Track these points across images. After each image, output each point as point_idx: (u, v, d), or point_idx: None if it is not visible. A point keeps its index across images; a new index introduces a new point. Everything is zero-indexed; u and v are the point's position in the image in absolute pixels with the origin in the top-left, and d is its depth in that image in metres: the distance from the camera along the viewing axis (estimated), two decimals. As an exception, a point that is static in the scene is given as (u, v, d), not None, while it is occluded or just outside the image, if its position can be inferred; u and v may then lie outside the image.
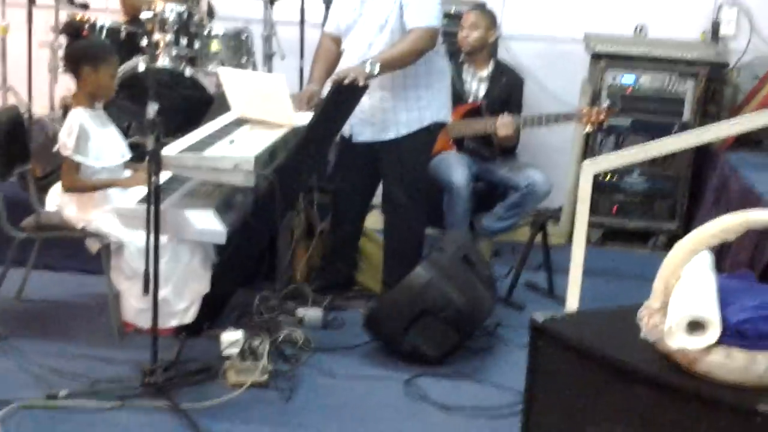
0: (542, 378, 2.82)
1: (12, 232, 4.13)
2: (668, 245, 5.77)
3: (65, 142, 4.04)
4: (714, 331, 2.37)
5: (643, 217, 5.98)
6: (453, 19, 5.88)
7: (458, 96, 5.38)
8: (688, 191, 5.92)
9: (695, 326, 2.38)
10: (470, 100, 5.57)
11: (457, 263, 4.17)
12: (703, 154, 5.78)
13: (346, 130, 4.56)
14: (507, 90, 5.60)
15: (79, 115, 4.09)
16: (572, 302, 3.76)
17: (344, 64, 4.47)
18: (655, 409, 2.48)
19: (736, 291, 2.56)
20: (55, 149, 4.13)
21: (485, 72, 5.60)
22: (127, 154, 4.30)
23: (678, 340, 2.40)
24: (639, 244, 6.05)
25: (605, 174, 5.82)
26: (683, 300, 2.45)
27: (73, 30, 4.34)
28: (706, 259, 2.74)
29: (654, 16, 6.21)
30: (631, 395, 2.53)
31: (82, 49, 4.24)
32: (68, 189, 4.11)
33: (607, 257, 5.73)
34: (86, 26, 5.41)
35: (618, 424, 2.57)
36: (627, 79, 5.87)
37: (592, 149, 5.87)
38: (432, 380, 3.93)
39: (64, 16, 5.60)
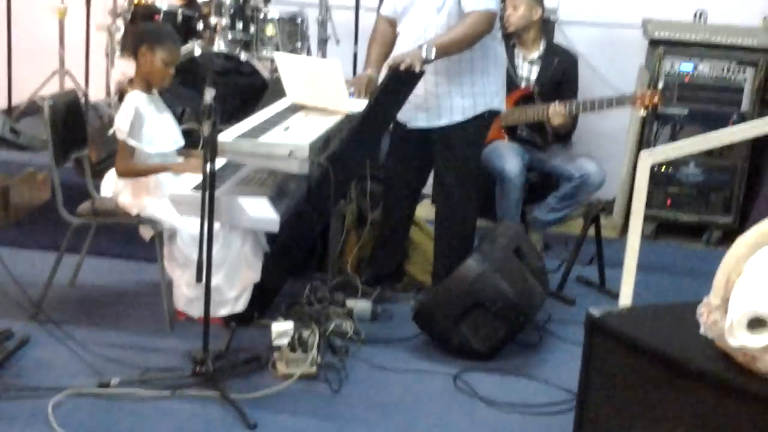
0: (597, 374, 2.79)
1: (68, 218, 4.15)
2: (723, 240, 5.73)
3: (120, 126, 4.05)
4: (776, 330, 2.33)
5: (698, 210, 5.88)
6: (505, 1, 5.82)
7: (510, 81, 5.32)
8: (745, 184, 5.83)
9: (757, 323, 2.35)
10: (522, 84, 5.50)
11: (509, 255, 4.13)
12: (761, 145, 5.67)
13: (399, 116, 4.53)
14: (560, 71, 5.52)
15: (135, 99, 4.10)
16: (626, 297, 3.72)
17: (400, 47, 4.43)
18: (713, 408, 2.44)
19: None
20: (110, 132, 4.14)
21: (536, 54, 5.52)
22: (181, 141, 4.30)
23: (738, 338, 2.36)
24: (692, 239, 5.96)
25: (660, 165, 5.73)
26: (745, 296, 2.41)
27: (145, 14, 4.34)
28: (769, 255, 2.68)
29: (714, 1, 6.10)
30: (688, 394, 2.50)
31: (144, 30, 4.26)
32: (121, 173, 4.12)
33: (660, 251, 5.67)
34: (160, 12, 5.45)
35: (674, 423, 2.53)
36: (685, 66, 5.78)
37: (648, 139, 5.80)
38: (481, 375, 3.90)
39: (122, 0, 5.64)
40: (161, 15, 5.53)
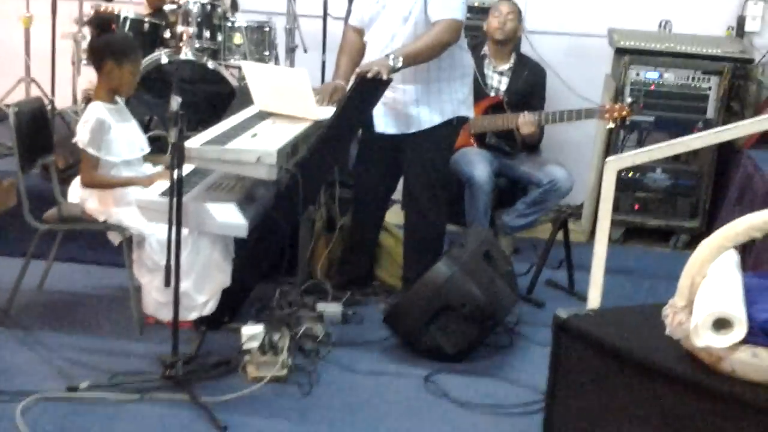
0: (565, 375, 2.82)
1: (34, 224, 4.14)
2: (690, 244, 5.78)
3: (80, 136, 4.06)
4: (740, 330, 2.36)
5: (665, 215, 5.95)
6: (476, 12, 5.88)
7: (480, 90, 5.37)
8: (711, 189, 5.89)
9: (721, 324, 2.37)
10: (492, 94, 5.55)
11: (478, 259, 4.15)
12: (726, 151, 5.74)
13: (368, 122, 4.55)
14: (529, 82, 5.60)
15: (97, 109, 4.10)
16: (594, 300, 3.74)
17: (368, 57, 4.46)
18: (679, 407, 2.47)
19: (761, 290, 2.55)
20: (74, 141, 4.13)
21: (507, 65, 5.60)
22: (147, 148, 4.30)
23: (703, 338, 2.39)
24: (660, 243, 6.02)
25: (627, 170, 5.79)
26: (709, 298, 2.44)
27: (102, 23, 4.33)
28: (732, 257, 2.72)
29: (679, 11, 6.19)
30: (655, 394, 2.52)
31: (107, 44, 4.23)
32: (86, 184, 4.12)
33: (628, 255, 5.71)
34: (115, 20, 5.43)
35: (641, 422, 2.56)
36: (651, 75, 5.84)
37: (615, 146, 5.85)
38: (451, 377, 3.91)
39: (87, 8, 5.62)
40: (125, 23, 5.50)
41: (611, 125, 5.35)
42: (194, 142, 3.82)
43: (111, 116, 4.13)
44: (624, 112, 5.21)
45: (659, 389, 2.50)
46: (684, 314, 2.50)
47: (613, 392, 2.64)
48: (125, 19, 5.55)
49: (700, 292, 2.48)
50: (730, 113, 5.81)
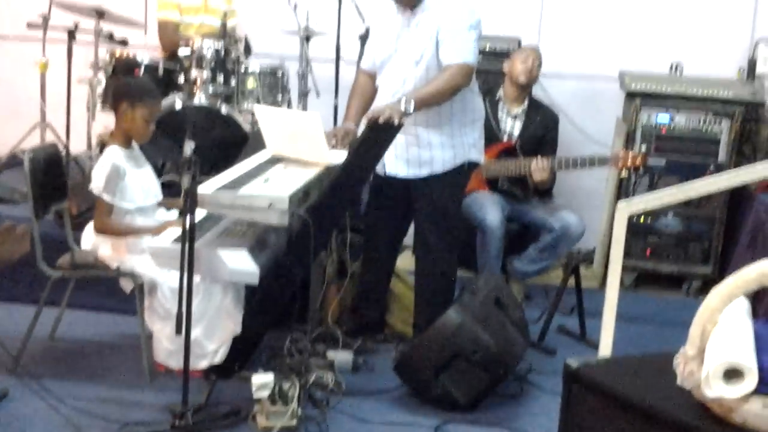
0: (575, 425, 2.79)
1: (48, 271, 4.15)
2: (702, 290, 5.75)
3: (96, 181, 4.07)
4: (752, 380, 2.33)
5: (677, 260, 5.92)
6: (490, 56, 5.90)
7: (493, 134, 5.39)
8: (723, 234, 5.86)
9: (732, 374, 2.34)
10: (505, 138, 5.56)
11: (489, 306, 4.13)
12: (738, 195, 5.72)
13: (379, 167, 4.56)
14: (542, 128, 5.61)
15: (113, 154, 4.12)
16: (605, 348, 3.73)
17: (379, 100, 4.48)
18: (690, 460, 2.43)
19: (772, 338, 2.52)
20: (89, 188, 4.15)
21: (520, 109, 5.61)
22: (160, 195, 4.32)
23: (715, 389, 2.36)
24: (673, 289, 5.98)
25: (639, 215, 5.78)
26: (720, 347, 2.41)
27: (126, 68, 4.36)
28: (743, 305, 2.70)
29: (690, 53, 6.19)
30: (666, 445, 2.49)
31: (125, 85, 4.27)
32: (99, 230, 4.13)
33: (641, 302, 5.69)
34: (140, 66, 5.48)
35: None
36: (662, 118, 5.85)
37: (626, 190, 5.84)
38: (462, 427, 3.89)
39: (103, 53, 5.67)
40: (142, 68, 5.56)
41: (624, 174, 5.35)
42: (207, 188, 3.83)
43: (126, 162, 4.15)
44: (638, 161, 5.20)
45: (671, 441, 2.48)
46: (695, 363, 2.47)
47: (624, 443, 2.61)
48: (140, 63, 5.59)
49: (711, 340, 2.46)
50: (741, 156, 5.80)
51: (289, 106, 5.85)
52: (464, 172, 4.56)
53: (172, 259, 3.76)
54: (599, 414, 2.69)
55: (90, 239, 4.20)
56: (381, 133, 4.24)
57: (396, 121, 4.14)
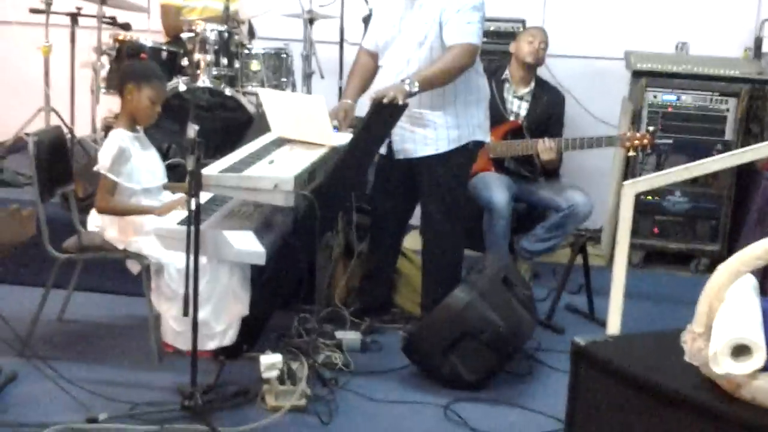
0: (583, 403, 2.79)
1: (54, 254, 4.15)
2: (710, 268, 5.72)
3: (102, 161, 4.07)
4: (760, 356, 2.33)
5: (685, 238, 5.92)
6: (495, 37, 5.89)
7: (499, 115, 5.37)
8: (731, 211, 5.86)
9: (740, 350, 2.34)
10: (511, 118, 5.55)
11: (497, 285, 4.13)
12: (745, 173, 5.71)
13: (384, 147, 4.55)
14: (548, 108, 5.59)
15: (118, 136, 4.11)
16: (613, 325, 3.73)
17: (382, 81, 4.47)
18: (698, 436, 2.43)
19: (780, 315, 2.51)
20: (95, 168, 4.15)
21: (526, 90, 5.59)
22: (164, 178, 4.32)
23: (723, 365, 2.35)
24: (681, 267, 5.99)
25: (646, 194, 5.76)
26: (728, 324, 2.41)
27: (133, 51, 4.36)
28: (750, 281, 2.69)
29: (696, 33, 6.17)
30: (674, 421, 2.49)
31: (130, 69, 4.28)
32: (101, 210, 4.12)
33: (649, 280, 5.68)
34: (145, 49, 5.48)
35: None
36: (668, 97, 5.83)
37: (633, 169, 5.83)
38: (471, 405, 3.89)
39: (106, 37, 5.66)
40: (146, 52, 5.55)
41: (632, 153, 5.33)
42: (212, 170, 3.83)
43: (132, 144, 4.15)
44: (645, 141, 5.19)
45: (679, 417, 2.47)
46: (702, 340, 2.47)
47: (632, 420, 2.61)
48: (143, 47, 5.58)
49: (718, 317, 2.46)
50: (749, 135, 5.79)
51: (293, 88, 5.84)
52: (469, 151, 4.55)
53: (177, 241, 3.75)
54: (607, 391, 2.69)
55: (96, 222, 4.20)
56: (385, 114, 4.24)
57: (400, 102, 4.14)
